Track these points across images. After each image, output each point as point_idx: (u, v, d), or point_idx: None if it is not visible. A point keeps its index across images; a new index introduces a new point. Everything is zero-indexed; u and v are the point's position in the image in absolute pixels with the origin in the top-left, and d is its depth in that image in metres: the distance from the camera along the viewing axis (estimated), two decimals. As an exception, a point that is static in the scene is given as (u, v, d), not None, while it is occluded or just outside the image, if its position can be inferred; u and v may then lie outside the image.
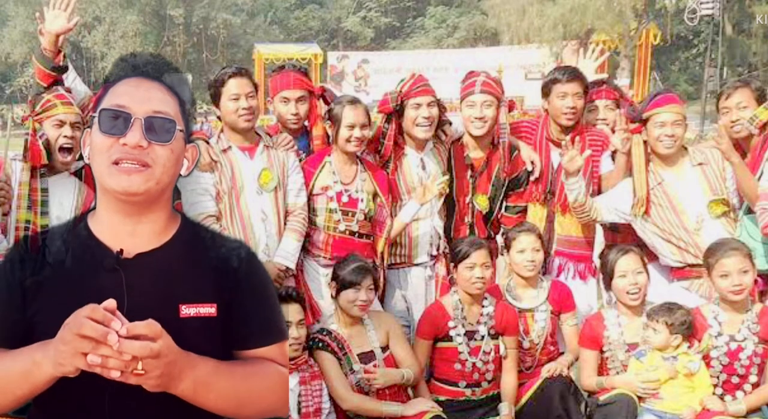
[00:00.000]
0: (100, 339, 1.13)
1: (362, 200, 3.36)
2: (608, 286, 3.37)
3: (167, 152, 1.38)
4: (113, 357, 1.14)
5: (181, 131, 1.41)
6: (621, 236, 3.62)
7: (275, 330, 1.48)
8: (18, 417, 1.52)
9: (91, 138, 1.40)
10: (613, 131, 3.54)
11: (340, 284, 3.12)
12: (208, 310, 1.40)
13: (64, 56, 3.32)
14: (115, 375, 1.16)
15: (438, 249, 3.58)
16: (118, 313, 1.18)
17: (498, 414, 3.24)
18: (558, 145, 3.50)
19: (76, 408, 1.38)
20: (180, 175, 1.47)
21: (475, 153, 3.59)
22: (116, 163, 1.35)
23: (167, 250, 1.43)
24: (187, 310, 1.38)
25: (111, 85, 1.42)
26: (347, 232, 3.35)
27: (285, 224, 3.28)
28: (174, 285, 1.40)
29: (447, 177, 3.48)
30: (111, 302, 1.18)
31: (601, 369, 3.31)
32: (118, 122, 1.36)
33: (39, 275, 1.39)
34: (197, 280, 1.42)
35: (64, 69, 3.28)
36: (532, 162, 3.59)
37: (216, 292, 1.42)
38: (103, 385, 1.25)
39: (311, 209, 3.35)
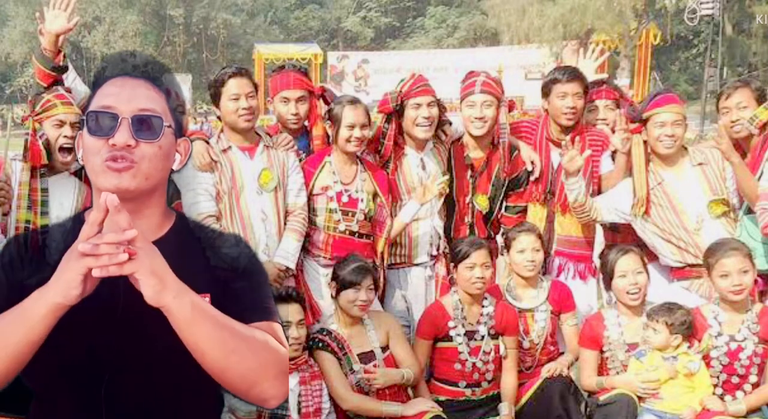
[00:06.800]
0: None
1: (362, 200, 3.36)
2: (608, 286, 3.37)
3: (155, 148, 1.40)
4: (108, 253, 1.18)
5: (169, 126, 1.43)
6: (621, 236, 3.61)
7: (264, 310, 1.48)
8: (18, 417, 1.52)
9: (82, 140, 1.42)
10: (613, 131, 3.54)
11: (340, 284, 3.12)
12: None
13: (64, 56, 3.32)
14: (122, 257, 1.19)
15: (438, 249, 3.58)
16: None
17: (498, 414, 3.24)
18: (558, 145, 3.50)
19: (75, 405, 1.39)
20: (173, 170, 1.48)
21: (475, 153, 3.59)
22: (106, 162, 1.37)
23: (162, 244, 1.43)
24: None
25: (98, 88, 1.44)
26: (347, 232, 3.35)
27: (285, 224, 3.28)
28: None
29: (447, 177, 3.48)
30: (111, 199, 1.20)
31: (601, 369, 3.31)
32: (106, 122, 1.37)
33: (39, 274, 1.39)
34: (191, 272, 1.42)
35: (64, 69, 3.28)
36: (532, 162, 3.58)
37: (210, 283, 1.43)
38: (101, 378, 1.28)
39: (311, 209, 3.36)
